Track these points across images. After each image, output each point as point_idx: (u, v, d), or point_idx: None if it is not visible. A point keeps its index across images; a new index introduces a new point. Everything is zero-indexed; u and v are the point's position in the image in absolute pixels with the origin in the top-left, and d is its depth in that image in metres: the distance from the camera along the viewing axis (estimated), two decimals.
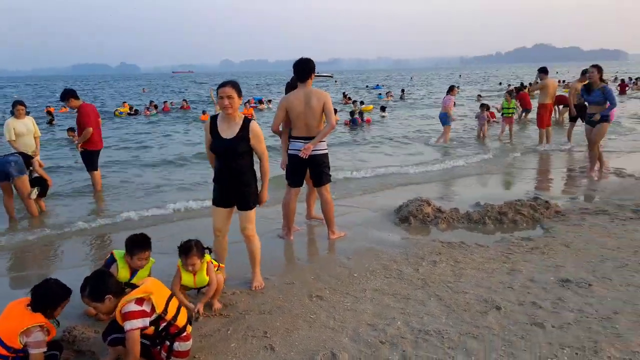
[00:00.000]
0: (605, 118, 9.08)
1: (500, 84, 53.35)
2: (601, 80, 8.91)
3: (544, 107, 12.90)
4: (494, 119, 18.21)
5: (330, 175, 5.98)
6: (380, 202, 7.91)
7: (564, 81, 43.07)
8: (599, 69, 8.94)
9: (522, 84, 29.25)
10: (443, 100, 14.85)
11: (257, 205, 4.70)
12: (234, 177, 4.53)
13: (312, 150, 5.71)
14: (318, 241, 6.21)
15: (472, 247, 5.70)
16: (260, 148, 4.55)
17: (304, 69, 5.68)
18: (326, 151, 5.87)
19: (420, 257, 5.43)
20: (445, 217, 6.64)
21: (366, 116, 20.87)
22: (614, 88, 30.67)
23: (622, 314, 4.05)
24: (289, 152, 5.82)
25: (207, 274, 4.34)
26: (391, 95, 35.83)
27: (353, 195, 8.52)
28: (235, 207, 4.72)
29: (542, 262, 5.16)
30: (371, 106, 26.32)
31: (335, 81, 78.64)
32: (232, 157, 4.47)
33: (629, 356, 3.46)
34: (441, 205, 7.04)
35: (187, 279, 4.31)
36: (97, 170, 9.23)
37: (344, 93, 35.63)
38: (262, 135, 4.54)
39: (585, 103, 9.53)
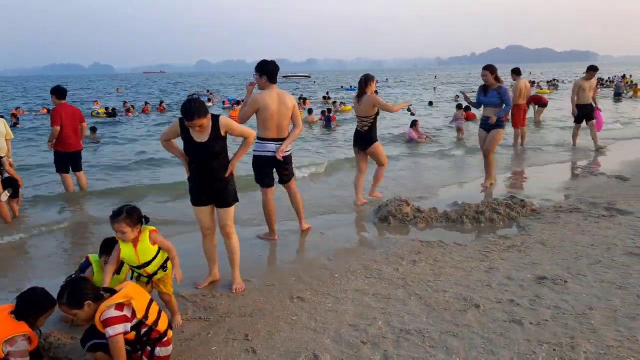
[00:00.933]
0: (500, 124, 8.29)
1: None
2: (496, 80, 8.15)
3: (517, 107, 13.08)
4: (474, 118, 18.42)
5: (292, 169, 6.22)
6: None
7: (532, 82, 43.75)
8: (491, 69, 8.18)
9: None
10: (408, 131, 15.08)
11: (231, 176, 4.64)
12: (210, 177, 4.56)
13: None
14: (298, 242, 6.20)
15: (451, 245, 5.73)
16: (239, 132, 4.58)
17: (275, 71, 5.77)
18: (291, 151, 6.10)
19: (400, 256, 5.44)
20: (424, 217, 6.67)
21: (333, 114, 20.61)
22: None
23: (596, 309, 4.14)
24: (259, 153, 5.89)
25: (153, 242, 3.89)
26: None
27: (331, 196, 8.51)
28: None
29: (519, 260, 5.22)
30: (349, 107, 26.52)
31: (314, 82, 78.65)
32: (208, 158, 4.48)
33: (604, 351, 3.54)
34: (420, 205, 7.09)
35: (126, 251, 3.82)
36: (67, 173, 9.06)
37: (326, 93, 35.51)
38: (231, 121, 4.55)
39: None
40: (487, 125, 8.44)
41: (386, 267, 5.16)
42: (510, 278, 4.80)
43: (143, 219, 3.87)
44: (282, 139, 5.86)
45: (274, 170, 5.98)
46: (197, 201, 4.70)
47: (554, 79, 48.93)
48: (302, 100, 29.07)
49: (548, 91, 36.65)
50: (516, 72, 13.09)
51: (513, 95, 12.71)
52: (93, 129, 17.45)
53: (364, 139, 7.26)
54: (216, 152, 4.45)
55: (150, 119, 25.11)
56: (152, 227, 3.95)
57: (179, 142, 4.68)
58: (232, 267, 4.86)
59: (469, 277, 4.86)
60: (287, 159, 5.99)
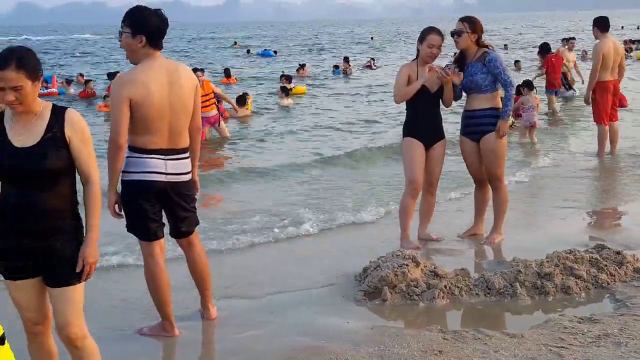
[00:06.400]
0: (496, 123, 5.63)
1: None
2: (478, 43, 5.70)
3: (603, 88, 9.22)
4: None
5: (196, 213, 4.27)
6: (321, 258, 5.47)
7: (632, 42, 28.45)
8: (469, 21, 5.45)
9: None
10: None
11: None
12: (34, 220, 2.88)
13: (176, 175, 3.87)
14: (215, 341, 4.28)
15: (496, 337, 4.06)
16: (86, 161, 2.93)
17: (164, 25, 3.76)
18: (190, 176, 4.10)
19: None
20: (446, 287, 4.74)
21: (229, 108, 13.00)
22: None
23: None
24: (135, 177, 3.86)
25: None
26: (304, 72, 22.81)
27: (257, 242, 5.84)
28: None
29: None
30: (304, 88, 17.63)
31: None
32: (35, 180, 2.83)
33: None
34: (438, 265, 5.01)
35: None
36: None
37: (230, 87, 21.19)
38: (86, 129, 2.91)
39: None
40: (475, 128, 5.43)
41: None
42: None
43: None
44: (179, 151, 3.86)
45: (163, 209, 3.99)
46: (9, 270, 2.91)
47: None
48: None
49: None
50: (600, 26, 8.55)
51: (594, 65, 8.56)
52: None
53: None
54: (50, 169, 2.78)
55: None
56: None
57: None
58: None
59: None
60: (184, 190, 3.97)
